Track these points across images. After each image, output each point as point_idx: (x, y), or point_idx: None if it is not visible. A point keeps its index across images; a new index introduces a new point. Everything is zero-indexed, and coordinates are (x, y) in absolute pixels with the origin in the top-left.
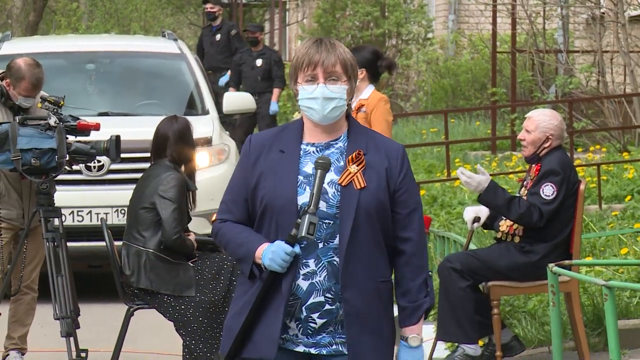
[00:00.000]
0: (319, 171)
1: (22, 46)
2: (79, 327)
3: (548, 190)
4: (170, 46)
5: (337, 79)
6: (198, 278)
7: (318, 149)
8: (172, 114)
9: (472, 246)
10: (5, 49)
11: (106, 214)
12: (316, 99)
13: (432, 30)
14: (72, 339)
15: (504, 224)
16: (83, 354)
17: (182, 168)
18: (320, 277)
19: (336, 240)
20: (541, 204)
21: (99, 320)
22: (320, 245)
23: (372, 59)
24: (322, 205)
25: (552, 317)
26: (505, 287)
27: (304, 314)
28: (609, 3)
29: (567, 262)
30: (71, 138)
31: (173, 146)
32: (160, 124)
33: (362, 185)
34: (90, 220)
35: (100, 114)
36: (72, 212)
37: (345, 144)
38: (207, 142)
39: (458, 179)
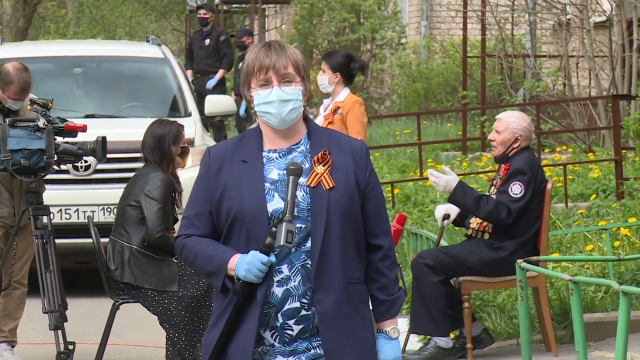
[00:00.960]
0: (291, 177)
1: (12, 51)
2: (66, 321)
3: (516, 189)
4: (154, 51)
5: (290, 80)
6: (181, 274)
7: (280, 155)
8: (156, 116)
9: (443, 242)
10: None
11: (93, 211)
12: (272, 102)
13: (405, 36)
14: (60, 332)
15: (474, 222)
16: (70, 347)
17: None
18: (294, 282)
19: (308, 243)
20: (509, 202)
21: (86, 314)
22: (293, 249)
23: (345, 62)
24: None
25: (521, 311)
26: (476, 282)
27: (280, 321)
28: (575, 10)
29: (534, 258)
30: (59, 139)
31: (156, 149)
32: (149, 126)
33: (331, 185)
34: (78, 218)
35: (87, 116)
36: (60, 210)
37: (307, 146)
38: (190, 142)
39: None
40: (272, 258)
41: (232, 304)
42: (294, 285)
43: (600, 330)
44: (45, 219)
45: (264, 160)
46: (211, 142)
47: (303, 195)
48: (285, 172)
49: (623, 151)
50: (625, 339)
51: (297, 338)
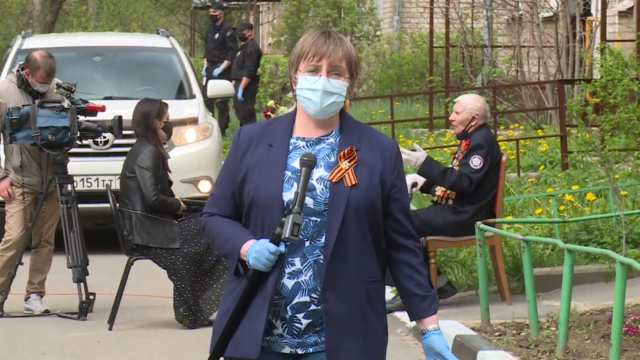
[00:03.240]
0: (303, 169)
1: (40, 42)
2: (88, 274)
3: (476, 161)
4: (163, 42)
5: (340, 74)
6: (185, 233)
7: (308, 144)
8: (165, 97)
9: (412, 207)
10: (27, 44)
11: (110, 180)
12: (316, 90)
13: (380, 29)
14: (82, 284)
15: (439, 189)
16: (91, 297)
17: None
18: (305, 276)
19: (323, 239)
20: (470, 173)
21: (105, 268)
22: (307, 243)
23: None
24: (309, 202)
25: (479, 266)
26: (440, 241)
27: (289, 313)
28: (526, 6)
29: (491, 220)
30: (81, 118)
31: (142, 123)
32: (137, 104)
33: (353, 183)
34: (97, 186)
35: (106, 98)
36: (83, 179)
37: (337, 140)
38: (194, 121)
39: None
40: (282, 248)
41: (243, 291)
42: (305, 280)
43: (547, 282)
44: (69, 187)
45: (290, 147)
46: (213, 121)
47: (322, 189)
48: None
49: (567, 128)
50: (569, 290)
51: (306, 331)
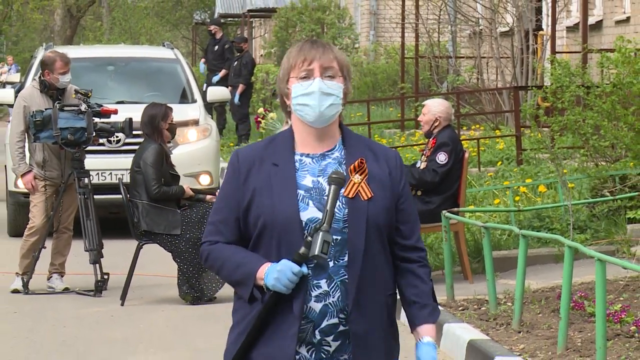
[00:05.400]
0: (332, 187)
1: None
2: (102, 257)
3: (442, 157)
4: (168, 53)
5: (333, 75)
6: (187, 221)
7: (314, 160)
8: (170, 102)
9: None
10: None
11: (122, 174)
12: (312, 93)
13: (358, 42)
14: (97, 265)
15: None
16: (105, 277)
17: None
18: (333, 297)
19: (346, 257)
20: (437, 167)
21: (117, 252)
22: (331, 263)
23: None
24: None
25: (445, 250)
26: None
27: (317, 337)
28: (485, 22)
29: (455, 209)
30: (97, 120)
31: (149, 124)
32: (145, 107)
33: (369, 196)
34: (111, 179)
35: (118, 102)
36: (98, 173)
37: (342, 153)
38: (195, 122)
39: None
40: (305, 269)
41: (258, 316)
42: (333, 301)
43: (504, 264)
44: (86, 180)
45: (297, 165)
46: (212, 122)
47: (339, 206)
48: (322, 179)
49: (522, 129)
50: (523, 270)
51: (335, 355)
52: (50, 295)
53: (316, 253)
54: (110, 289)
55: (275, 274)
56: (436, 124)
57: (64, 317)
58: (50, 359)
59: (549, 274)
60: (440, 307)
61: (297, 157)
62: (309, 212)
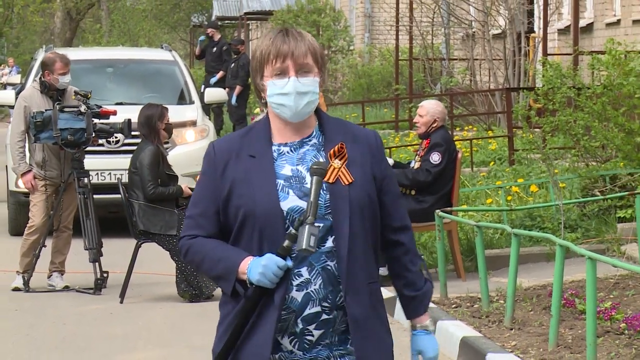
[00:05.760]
0: (315, 178)
1: None
2: (102, 255)
3: (435, 157)
4: (166, 55)
5: (308, 71)
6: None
7: (292, 149)
8: (168, 103)
9: None
10: None
11: (121, 174)
12: (288, 94)
13: (353, 44)
14: (97, 263)
15: None
16: (105, 275)
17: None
18: (315, 285)
19: (328, 243)
20: (430, 167)
21: (116, 250)
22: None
23: None
24: None
25: (438, 248)
26: None
27: (300, 326)
28: (478, 25)
29: (449, 208)
30: (96, 120)
31: (146, 125)
32: (142, 108)
33: (350, 180)
34: (110, 179)
35: (117, 104)
36: (97, 173)
37: (320, 139)
38: (193, 123)
39: None
40: (289, 262)
41: (242, 310)
42: (315, 289)
43: (496, 262)
44: (85, 180)
45: (275, 154)
46: (209, 123)
47: (320, 193)
48: (302, 167)
49: (514, 130)
50: (515, 268)
51: (317, 344)
52: (50, 293)
53: (304, 247)
54: (109, 287)
55: (261, 268)
56: (434, 125)
57: (64, 315)
58: (50, 355)
59: (541, 272)
60: (433, 305)
61: (274, 148)
62: (290, 201)
